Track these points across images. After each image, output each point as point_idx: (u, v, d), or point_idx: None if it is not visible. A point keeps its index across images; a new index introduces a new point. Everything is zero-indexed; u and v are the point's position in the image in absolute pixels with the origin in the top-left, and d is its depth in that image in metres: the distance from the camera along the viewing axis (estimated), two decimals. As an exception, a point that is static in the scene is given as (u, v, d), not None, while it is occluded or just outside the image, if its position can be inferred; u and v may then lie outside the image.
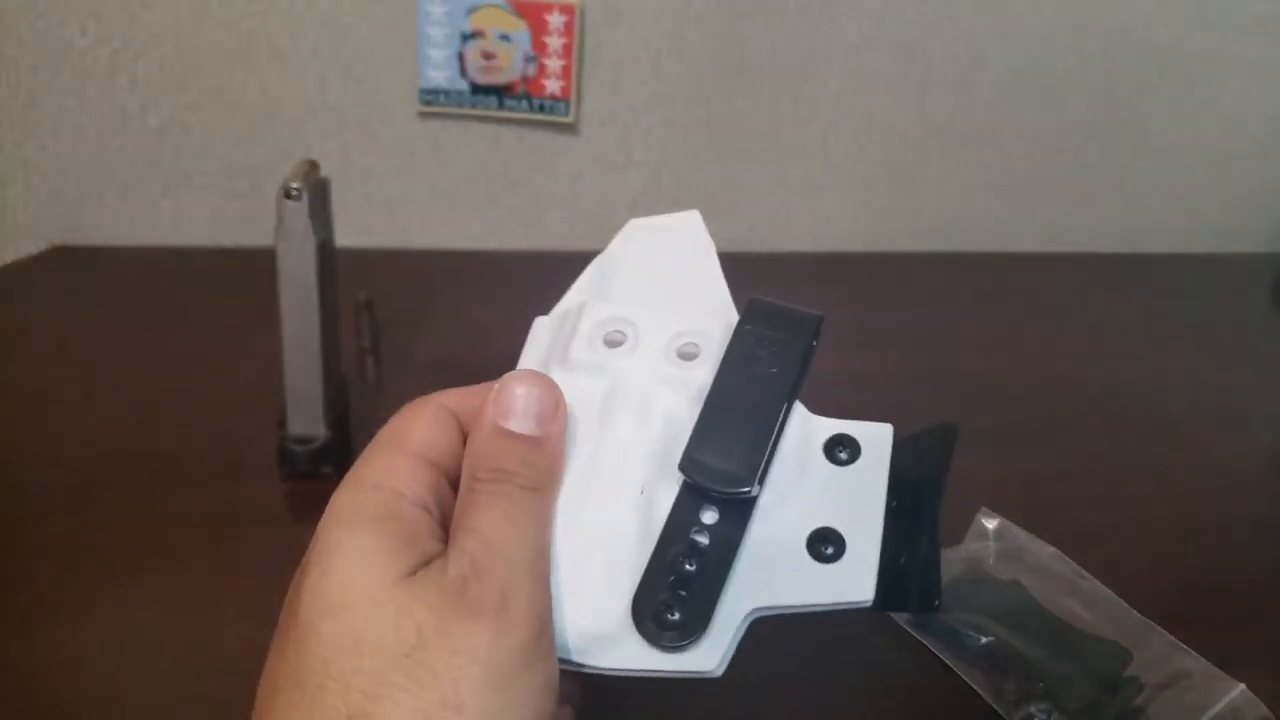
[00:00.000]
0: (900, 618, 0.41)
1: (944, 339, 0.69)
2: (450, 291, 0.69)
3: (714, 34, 0.74)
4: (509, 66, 0.71)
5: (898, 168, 0.83)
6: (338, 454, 0.47)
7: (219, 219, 0.74)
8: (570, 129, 0.75)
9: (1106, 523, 0.50)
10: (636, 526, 0.26)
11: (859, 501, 0.26)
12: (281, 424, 0.47)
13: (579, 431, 0.27)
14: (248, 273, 0.51)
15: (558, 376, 0.27)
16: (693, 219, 0.33)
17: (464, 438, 0.27)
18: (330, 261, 0.46)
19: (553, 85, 0.72)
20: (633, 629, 0.24)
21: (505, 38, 0.70)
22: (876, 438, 0.27)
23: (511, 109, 0.73)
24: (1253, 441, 0.61)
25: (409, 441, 0.26)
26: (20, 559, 0.41)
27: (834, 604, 0.25)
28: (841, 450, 0.27)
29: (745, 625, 0.25)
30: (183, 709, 0.35)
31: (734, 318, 0.29)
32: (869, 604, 0.25)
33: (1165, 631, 0.40)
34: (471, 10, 0.69)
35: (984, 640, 0.39)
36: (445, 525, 0.26)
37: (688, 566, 0.25)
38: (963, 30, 0.78)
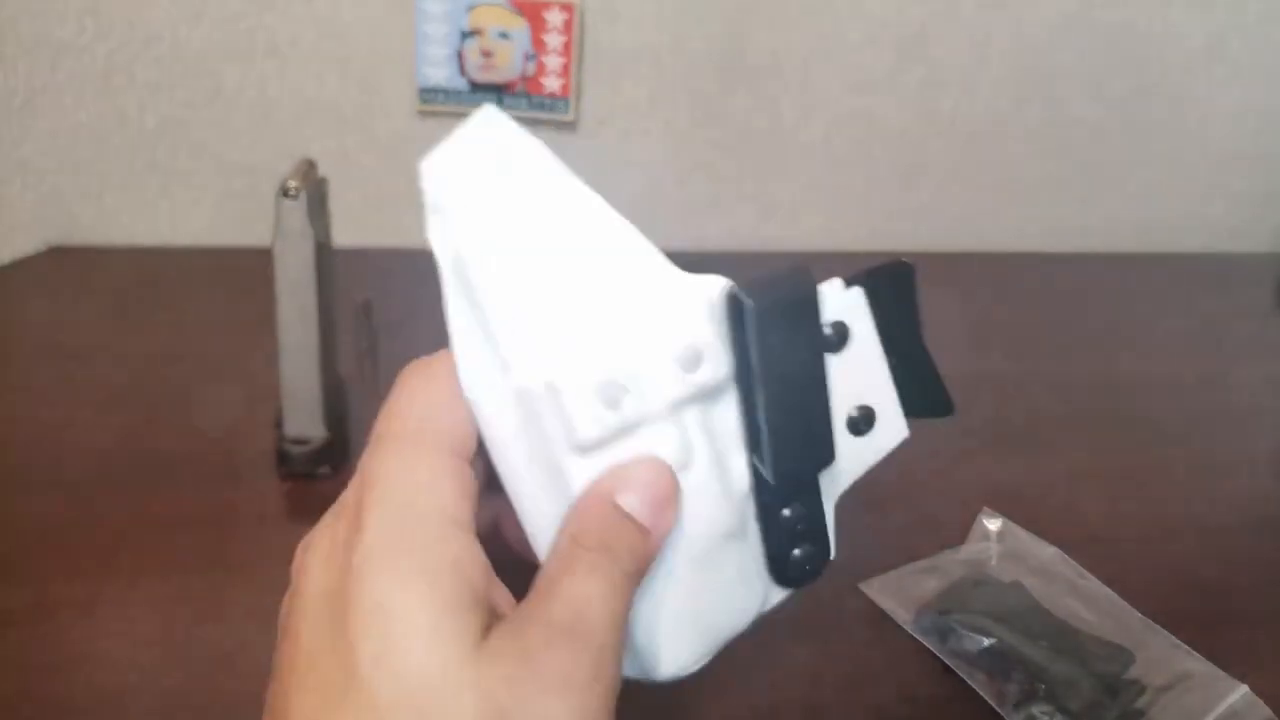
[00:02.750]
0: (903, 621, 0.40)
1: (944, 339, 0.68)
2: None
3: (714, 32, 0.74)
4: (508, 65, 0.71)
5: (898, 168, 0.83)
6: (335, 454, 0.47)
7: (216, 219, 0.74)
8: (570, 127, 0.75)
9: (1108, 524, 0.49)
10: (740, 524, 0.27)
11: (867, 374, 0.29)
12: (279, 424, 0.47)
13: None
14: (245, 273, 0.50)
15: (575, 463, 0.24)
16: (487, 114, 0.27)
17: (464, 479, 0.24)
18: (328, 261, 0.45)
19: (552, 83, 0.72)
20: (780, 590, 0.28)
21: (504, 36, 0.70)
22: (855, 307, 0.29)
23: (511, 107, 0.72)
24: (1254, 441, 0.61)
25: (440, 436, 0.23)
26: (20, 558, 0.41)
27: (885, 456, 0.29)
28: (832, 332, 0.29)
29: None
30: (183, 709, 0.34)
31: (692, 291, 0.26)
32: (906, 436, 0.30)
33: (1167, 633, 0.40)
34: (470, 8, 0.69)
35: (986, 641, 0.38)
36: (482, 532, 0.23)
37: (791, 518, 0.28)
38: (964, 31, 0.78)
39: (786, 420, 0.27)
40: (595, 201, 0.27)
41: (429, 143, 0.77)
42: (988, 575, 0.43)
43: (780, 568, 0.28)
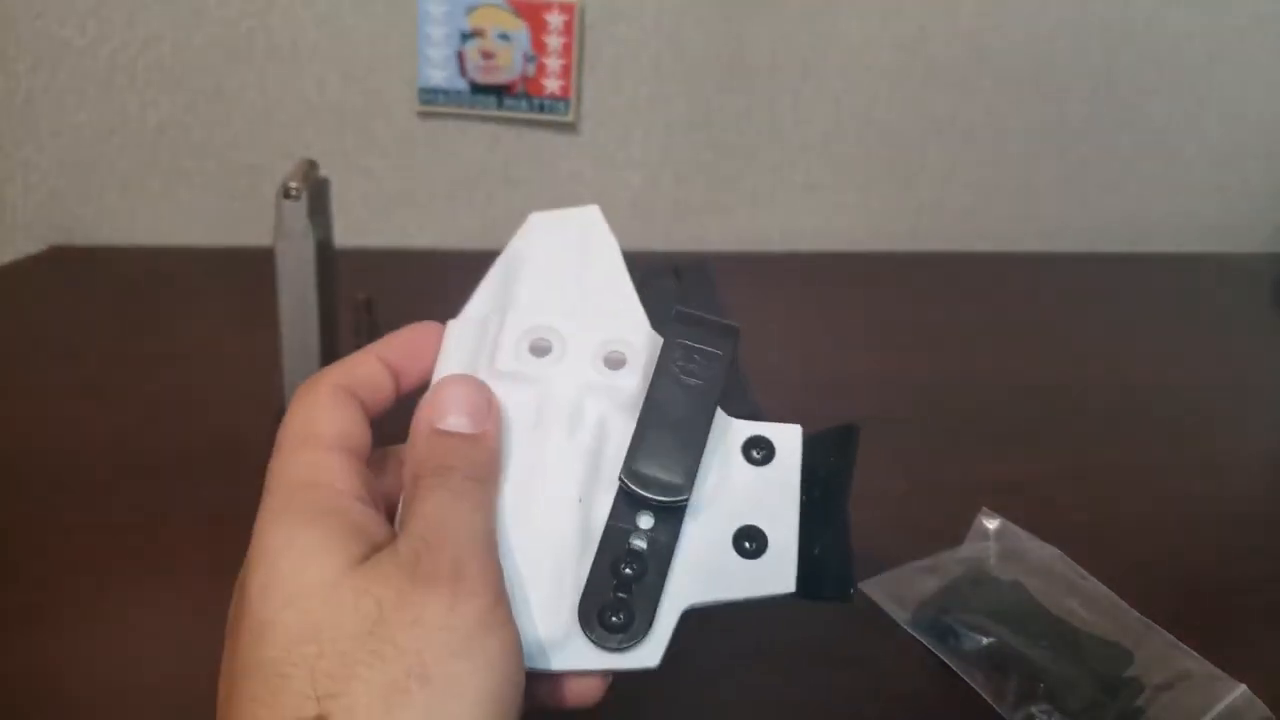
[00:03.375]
0: (901, 620, 0.41)
1: (944, 339, 0.69)
2: (449, 291, 0.69)
3: (714, 33, 0.74)
4: (508, 66, 0.71)
5: (898, 167, 0.83)
6: (337, 454, 0.47)
7: (218, 219, 0.74)
8: (570, 128, 0.75)
9: (1107, 523, 0.50)
10: (576, 533, 0.27)
11: (776, 499, 0.28)
12: (280, 423, 0.47)
13: (513, 441, 0.28)
14: (247, 272, 0.51)
15: (491, 387, 0.28)
16: (593, 214, 0.34)
17: (364, 413, 0.28)
18: (329, 261, 0.46)
19: (552, 85, 0.72)
20: (580, 633, 0.25)
21: (505, 37, 0.70)
22: (788, 438, 0.29)
23: (511, 108, 0.73)
24: (1253, 441, 0.61)
25: (323, 435, 0.26)
26: (20, 559, 0.41)
27: (761, 596, 0.27)
28: (757, 451, 0.28)
29: (679, 619, 0.27)
30: (183, 709, 0.34)
31: (645, 322, 0.30)
32: (791, 592, 0.26)
33: (1166, 632, 0.40)
34: (471, 9, 0.69)
35: (985, 641, 0.39)
36: (383, 514, 0.26)
37: (628, 571, 0.26)
38: (963, 30, 0.78)
39: (657, 434, 0.27)
40: (625, 283, 0.32)
41: (429, 143, 0.78)
42: (986, 574, 0.43)
43: (587, 611, 0.26)
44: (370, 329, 0.60)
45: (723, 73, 0.76)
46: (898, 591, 0.42)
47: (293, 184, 0.43)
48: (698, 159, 0.79)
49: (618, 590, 0.26)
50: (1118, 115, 0.86)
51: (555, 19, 0.70)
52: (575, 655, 0.25)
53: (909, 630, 0.40)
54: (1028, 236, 0.89)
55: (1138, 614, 0.41)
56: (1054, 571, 0.43)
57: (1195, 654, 0.39)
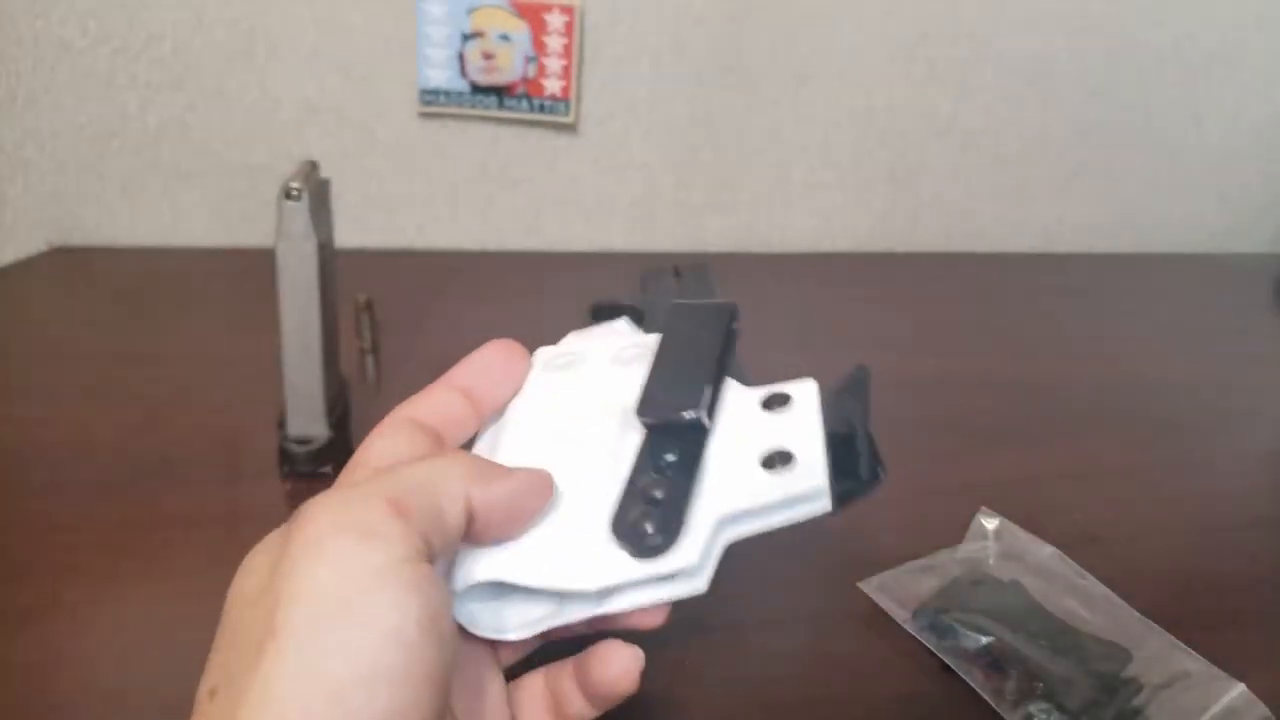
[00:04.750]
0: (900, 619, 0.41)
1: (944, 339, 0.69)
2: (450, 291, 0.69)
3: (714, 34, 0.74)
4: (509, 67, 0.71)
5: (897, 168, 0.83)
6: (338, 454, 0.47)
7: (218, 219, 0.74)
8: (570, 129, 0.75)
9: (1106, 523, 0.50)
10: (608, 470, 0.28)
11: (800, 429, 0.29)
12: (281, 424, 0.47)
13: (547, 394, 0.31)
14: (247, 273, 0.51)
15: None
16: (624, 325, 0.35)
17: (426, 435, 0.28)
18: (330, 262, 0.46)
19: (553, 85, 0.72)
20: (614, 544, 0.26)
21: (505, 38, 0.70)
22: (803, 389, 0.30)
23: (511, 109, 0.73)
24: (1253, 441, 0.61)
25: (368, 460, 0.28)
26: (20, 559, 0.41)
27: (793, 498, 0.27)
28: (778, 404, 0.30)
29: (722, 542, 0.27)
30: (183, 709, 0.34)
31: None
32: (824, 493, 0.28)
33: (1165, 631, 0.40)
34: (471, 10, 0.69)
35: (983, 640, 0.39)
36: None
37: (657, 493, 0.27)
38: (963, 31, 0.78)
39: (666, 373, 0.30)
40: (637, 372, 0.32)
41: (430, 144, 0.78)
42: (986, 574, 0.43)
43: (621, 525, 0.27)
44: (371, 329, 0.60)
45: (722, 74, 0.76)
46: (897, 591, 0.42)
47: (294, 185, 0.43)
48: (697, 159, 0.79)
49: (648, 504, 0.27)
50: (1116, 116, 0.86)
51: (556, 20, 0.70)
52: (613, 569, 0.26)
53: (908, 629, 0.40)
54: (1027, 236, 0.89)
55: (1137, 613, 0.41)
56: (1053, 571, 0.43)
57: (1194, 653, 0.39)
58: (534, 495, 0.26)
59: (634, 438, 0.29)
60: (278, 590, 0.21)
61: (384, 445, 0.28)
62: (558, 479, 0.27)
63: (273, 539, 0.24)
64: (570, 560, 0.26)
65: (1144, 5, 0.81)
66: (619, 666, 0.27)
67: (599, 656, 0.27)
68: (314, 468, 0.47)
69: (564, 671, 0.29)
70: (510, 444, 0.29)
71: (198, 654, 0.23)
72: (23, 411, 0.52)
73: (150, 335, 0.61)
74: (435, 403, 0.29)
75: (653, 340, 0.32)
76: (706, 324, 0.31)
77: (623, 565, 0.26)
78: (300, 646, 0.20)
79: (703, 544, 0.26)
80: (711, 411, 0.29)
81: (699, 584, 0.27)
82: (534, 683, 0.29)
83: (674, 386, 0.29)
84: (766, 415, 0.30)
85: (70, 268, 0.70)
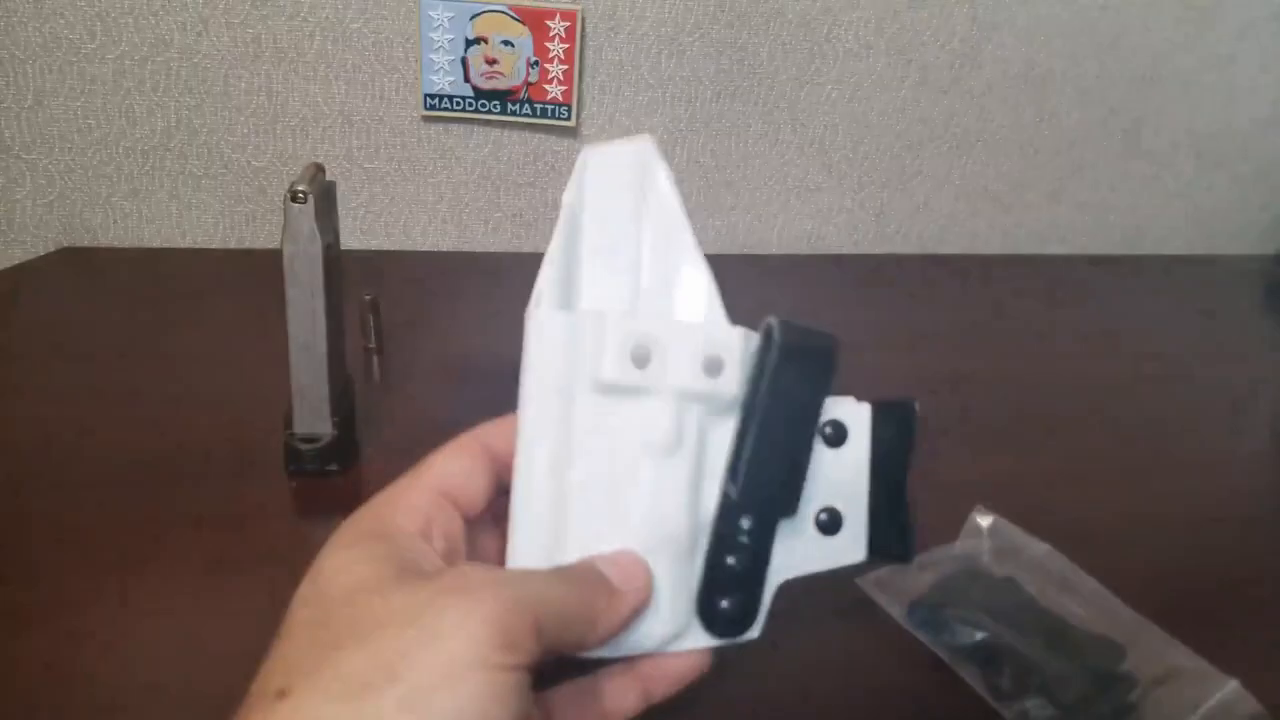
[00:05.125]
0: (896, 614, 0.41)
1: (941, 339, 0.70)
2: (454, 292, 0.70)
3: (713, 40, 0.75)
4: (511, 72, 0.72)
5: (894, 171, 0.84)
6: (344, 452, 0.48)
7: (225, 221, 0.75)
8: (572, 133, 0.76)
9: (1102, 520, 0.50)
10: (688, 536, 0.29)
11: (849, 479, 0.31)
12: (288, 423, 0.47)
13: (624, 457, 0.29)
14: (254, 274, 0.51)
15: (592, 402, 0.29)
16: (646, 147, 0.32)
17: (490, 465, 0.29)
18: (336, 263, 0.46)
19: (555, 90, 0.73)
20: (699, 626, 0.29)
21: (508, 43, 0.71)
22: (858, 419, 0.31)
23: (514, 113, 0.73)
24: (1246, 440, 0.61)
25: (424, 474, 0.28)
26: (22, 558, 0.42)
27: (838, 566, 0.31)
28: (831, 430, 0.31)
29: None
30: (185, 709, 0.35)
31: (725, 316, 0.31)
32: (863, 560, 0.31)
33: (1159, 627, 0.40)
34: (474, 16, 0.70)
35: (979, 636, 0.39)
36: (452, 554, 0.27)
37: (736, 567, 0.29)
38: (958, 35, 0.79)
39: (769, 452, 0.29)
40: (687, 235, 0.31)
41: (434, 147, 0.79)
42: (981, 571, 0.43)
43: (705, 605, 0.29)
44: (377, 329, 0.61)
45: (721, 78, 0.77)
46: (893, 587, 0.42)
47: (300, 187, 0.43)
48: (697, 162, 0.80)
49: (728, 586, 0.29)
50: (1111, 118, 0.86)
51: (557, 25, 0.70)
52: (694, 641, 0.29)
53: (903, 624, 0.41)
54: (1022, 238, 0.89)
55: (1130, 610, 0.41)
56: (1047, 568, 0.43)
57: (1188, 649, 0.39)
58: (637, 613, 0.28)
59: (713, 491, 0.30)
60: (413, 642, 0.22)
61: (450, 465, 0.29)
62: (641, 542, 0.28)
63: (396, 567, 0.25)
64: (658, 634, 0.28)
65: (1142, 6, 0.82)
66: (695, 655, 0.29)
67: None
68: (320, 466, 0.47)
69: (615, 670, 0.30)
70: (595, 510, 0.29)
71: (207, 651, 0.24)
72: (31, 411, 0.53)
73: (158, 335, 0.61)
74: (509, 433, 0.29)
75: (738, 344, 0.29)
76: (807, 375, 0.29)
77: (703, 639, 0.29)
78: (415, 705, 0.21)
79: (766, 612, 0.30)
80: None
81: (753, 635, 0.30)
82: (579, 685, 0.30)
83: (776, 474, 0.29)
84: (824, 454, 0.30)
85: (78, 268, 0.71)
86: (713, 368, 0.29)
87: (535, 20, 0.70)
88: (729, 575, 0.29)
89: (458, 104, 0.73)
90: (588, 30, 0.72)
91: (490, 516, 0.30)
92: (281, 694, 0.22)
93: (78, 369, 0.57)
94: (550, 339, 0.29)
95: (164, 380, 0.56)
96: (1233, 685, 0.37)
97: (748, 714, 0.37)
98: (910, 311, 0.75)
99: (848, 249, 0.85)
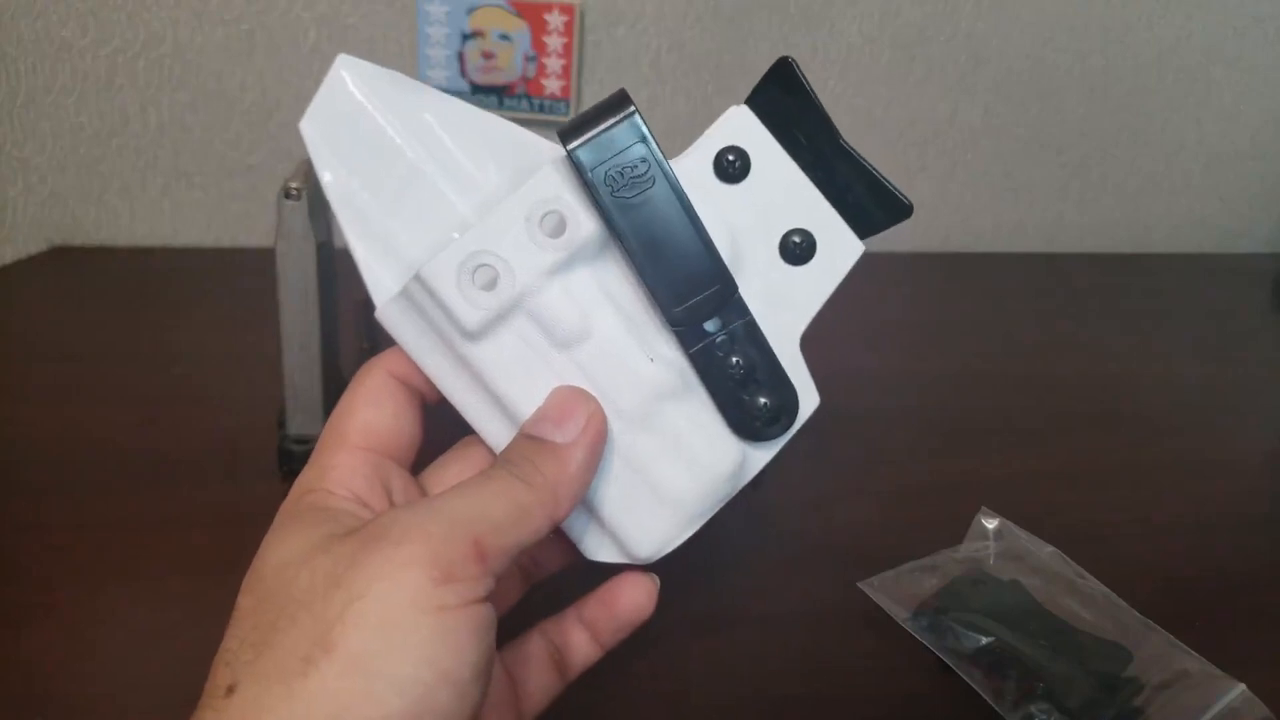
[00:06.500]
0: (899, 618, 0.41)
1: (944, 339, 0.69)
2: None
3: (713, 34, 0.74)
4: (509, 66, 0.71)
5: (897, 168, 0.83)
6: (337, 454, 0.47)
7: (218, 219, 0.74)
8: (570, 129, 0.76)
9: (1106, 523, 0.50)
10: (676, 381, 0.26)
11: (789, 195, 0.27)
12: (281, 423, 0.47)
13: (549, 367, 0.26)
14: (247, 273, 0.51)
15: (473, 351, 0.26)
16: (333, 76, 0.28)
17: (409, 398, 0.28)
18: (330, 261, 0.46)
19: (553, 85, 0.72)
20: (747, 446, 0.27)
21: (505, 37, 0.70)
22: (747, 130, 0.28)
23: (511, 109, 0.73)
24: (1253, 441, 0.61)
25: (347, 434, 0.27)
26: (20, 559, 0.41)
27: (843, 273, 0.28)
28: (730, 159, 0.27)
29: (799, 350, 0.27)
30: (183, 709, 0.34)
31: (531, 145, 0.27)
32: (860, 248, 0.28)
33: (1165, 631, 0.40)
34: (471, 10, 0.69)
35: (984, 640, 0.39)
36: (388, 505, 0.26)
37: (739, 371, 0.26)
38: (961, 31, 0.78)
39: (660, 251, 0.25)
40: (451, 107, 0.27)
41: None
42: (986, 574, 0.43)
43: (740, 419, 0.26)
44: (371, 328, 0.60)
45: (722, 73, 0.76)
46: (897, 591, 0.42)
47: (293, 185, 0.43)
48: (697, 159, 0.80)
49: (748, 392, 0.26)
50: (1116, 116, 0.86)
51: (555, 19, 0.70)
52: (761, 460, 0.27)
53: (908, 629, 0.40)
54: (1026, 237, 0.89)
55: (1137, 613, 0.41)
56: (1053, 571, 0.43)
57: (1194, 653, 0.39)
58: (594, 449, 0.25)
59: (660, 328, 0.27)
60: (341, 605, 0.21)
61: (371, 416, 0.27)
62: (640, 423, 0.26)
63: (324, 534, 0.23)
64: (719, 479, 0.26)
65: (1144, 5, 0.81)
66: (641, 593, 0.28)
67: (616, 587, 0.28)
68: (314, 467, 0.47)
69: (564, 621, 0.29)
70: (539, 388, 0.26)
71: (197, 653, 0.23)
72: (22, 411, 0.52)
73: (150, 335, 0.61)
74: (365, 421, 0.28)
75: (556, 179, 0.26)
76: (633, 167, 0.26)
77: (761, 451, 0.27)
78: (357, 671, 0.20)
79: (805, 374, 0.27)
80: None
81: (814, 403, 0.27)
82: (529, 641, 0.29)
83: (685, 277, 0.25)
84: (733, 193, 0.27)
85: (70, 267, 0.70)
86: (554, 228, 0.26)
87: (533, 14, 0.69)
88: (740, 378, 0.26)
89: (454, 100, 0.72)
90: (586, 24, 0.72)
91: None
92: (230, 690, 0.21)
93: (68, 368, 0.56)
94: (406, 330, 0.27)
95: (156, 380, 0.55)
96: (1240, 689, 0.37)
97: (751, 719, 0.37)
98: (915, 310, 0.74)
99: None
